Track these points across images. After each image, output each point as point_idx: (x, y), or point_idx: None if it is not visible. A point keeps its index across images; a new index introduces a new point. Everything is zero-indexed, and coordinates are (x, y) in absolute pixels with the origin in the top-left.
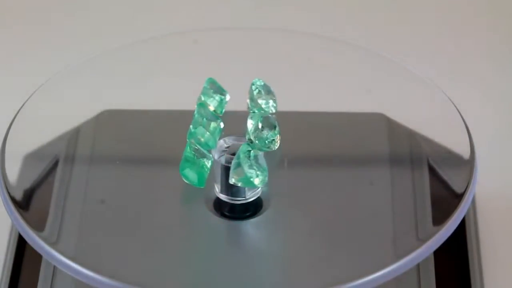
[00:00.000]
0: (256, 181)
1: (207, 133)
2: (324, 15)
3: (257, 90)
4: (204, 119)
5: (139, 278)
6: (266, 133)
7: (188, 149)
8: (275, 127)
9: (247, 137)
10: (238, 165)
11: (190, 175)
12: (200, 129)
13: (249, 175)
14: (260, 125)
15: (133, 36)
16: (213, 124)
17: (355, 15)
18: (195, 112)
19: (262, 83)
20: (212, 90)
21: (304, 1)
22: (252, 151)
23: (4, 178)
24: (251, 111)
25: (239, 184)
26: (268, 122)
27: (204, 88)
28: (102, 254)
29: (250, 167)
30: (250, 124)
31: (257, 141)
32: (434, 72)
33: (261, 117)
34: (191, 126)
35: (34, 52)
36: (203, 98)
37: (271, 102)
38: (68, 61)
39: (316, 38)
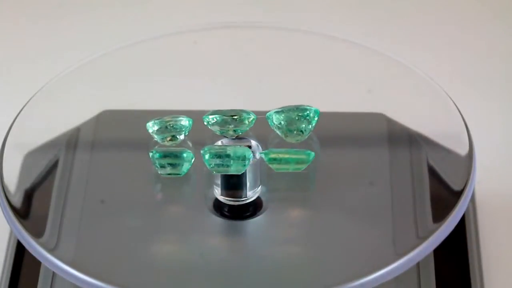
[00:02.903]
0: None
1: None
2: (324, 14)
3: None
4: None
5: (139, 279)
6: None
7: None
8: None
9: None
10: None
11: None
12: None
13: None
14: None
15: (133, 36)
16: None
17: (355, 15)
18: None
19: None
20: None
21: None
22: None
23: (3, 184)
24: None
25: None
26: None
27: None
28: (101, 258)
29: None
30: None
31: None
32: (434, 72)
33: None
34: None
35: (35, 52)
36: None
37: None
38: (69, 62)
39: (316, 37)
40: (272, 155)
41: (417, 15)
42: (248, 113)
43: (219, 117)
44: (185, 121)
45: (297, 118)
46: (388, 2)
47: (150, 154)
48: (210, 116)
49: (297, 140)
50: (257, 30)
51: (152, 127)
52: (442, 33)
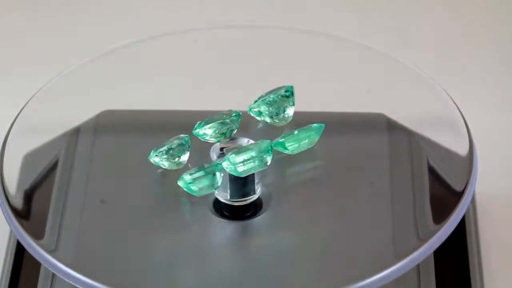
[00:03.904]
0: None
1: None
2: (324, 14)
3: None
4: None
5: (139, 280)
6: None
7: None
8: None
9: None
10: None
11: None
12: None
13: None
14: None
15: (132, 36)
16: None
17: (356, 14)
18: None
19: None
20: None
21: None
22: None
23: (3, 185)
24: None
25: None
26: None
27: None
28: (101, 259)
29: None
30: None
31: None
32: (434, 71)
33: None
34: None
35: (35, 52)
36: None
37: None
38: (69, 62)
39: (316, 37)
40: (288, 142)
41: (417, 15)
42: (230, 113)
43: (215, 126)
44: (184, 140)
45: (278, 99)
46: (388, 2)
47: (180, 183)
48: (207, 130)
49: (286, 121)
50: (257, 30)
51: (156, 156)
52: (442, 32)
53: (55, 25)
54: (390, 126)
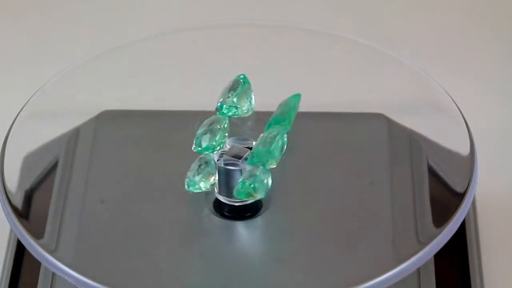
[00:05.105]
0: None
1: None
2: (324, 13)
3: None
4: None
5: (139, 280)
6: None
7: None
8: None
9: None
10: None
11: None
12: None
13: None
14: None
15: (132, 36)
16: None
17: (356, 14)
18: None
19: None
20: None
21: None
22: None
23: (4, 184)
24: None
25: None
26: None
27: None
28: (102, 259)
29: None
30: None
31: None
32: (435, 71)
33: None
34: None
35: (35, 52)
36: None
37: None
38: (68, 61)
39: (317, 36)
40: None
41: (418, 14)
42: (219, 120)
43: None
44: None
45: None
46: (389, 1)
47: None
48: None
49: (252, 110)
50: (257, 29)
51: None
52: (443, 32)
53: (54, 24)
54: (390, 126)
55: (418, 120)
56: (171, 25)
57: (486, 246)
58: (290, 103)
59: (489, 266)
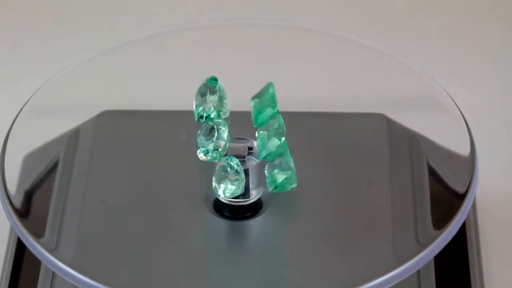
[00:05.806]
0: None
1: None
2: (324, 13)
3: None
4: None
5: (139, 280)
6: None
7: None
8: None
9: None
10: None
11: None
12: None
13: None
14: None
15: (132, 36)
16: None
17: (356, 13)
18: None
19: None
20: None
21: None
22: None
23: (4, 183)
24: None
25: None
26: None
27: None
28: (102, 259)
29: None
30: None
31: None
32: (435, 71)
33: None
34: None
35: (34, 52)
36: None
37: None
38: (68, 61)
39: (317, 36)
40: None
41: (418, 14)
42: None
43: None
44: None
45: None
46: (389, 1)
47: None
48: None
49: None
50: (257, 29)
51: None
52: (443, 32)
53: (54, 24)
54: (390, 126)
55: (418, 120)
56: (171, 25)
57: (486, 247)
58: (263, 90)
59: (489, 267)
